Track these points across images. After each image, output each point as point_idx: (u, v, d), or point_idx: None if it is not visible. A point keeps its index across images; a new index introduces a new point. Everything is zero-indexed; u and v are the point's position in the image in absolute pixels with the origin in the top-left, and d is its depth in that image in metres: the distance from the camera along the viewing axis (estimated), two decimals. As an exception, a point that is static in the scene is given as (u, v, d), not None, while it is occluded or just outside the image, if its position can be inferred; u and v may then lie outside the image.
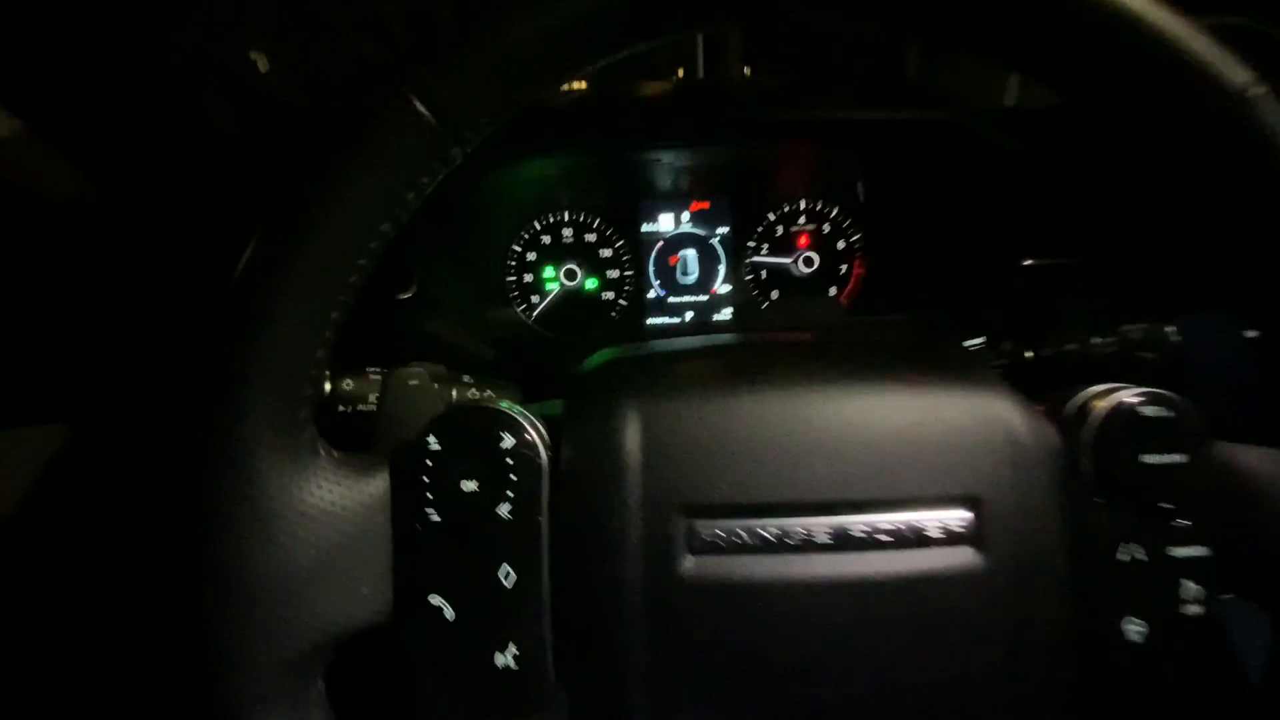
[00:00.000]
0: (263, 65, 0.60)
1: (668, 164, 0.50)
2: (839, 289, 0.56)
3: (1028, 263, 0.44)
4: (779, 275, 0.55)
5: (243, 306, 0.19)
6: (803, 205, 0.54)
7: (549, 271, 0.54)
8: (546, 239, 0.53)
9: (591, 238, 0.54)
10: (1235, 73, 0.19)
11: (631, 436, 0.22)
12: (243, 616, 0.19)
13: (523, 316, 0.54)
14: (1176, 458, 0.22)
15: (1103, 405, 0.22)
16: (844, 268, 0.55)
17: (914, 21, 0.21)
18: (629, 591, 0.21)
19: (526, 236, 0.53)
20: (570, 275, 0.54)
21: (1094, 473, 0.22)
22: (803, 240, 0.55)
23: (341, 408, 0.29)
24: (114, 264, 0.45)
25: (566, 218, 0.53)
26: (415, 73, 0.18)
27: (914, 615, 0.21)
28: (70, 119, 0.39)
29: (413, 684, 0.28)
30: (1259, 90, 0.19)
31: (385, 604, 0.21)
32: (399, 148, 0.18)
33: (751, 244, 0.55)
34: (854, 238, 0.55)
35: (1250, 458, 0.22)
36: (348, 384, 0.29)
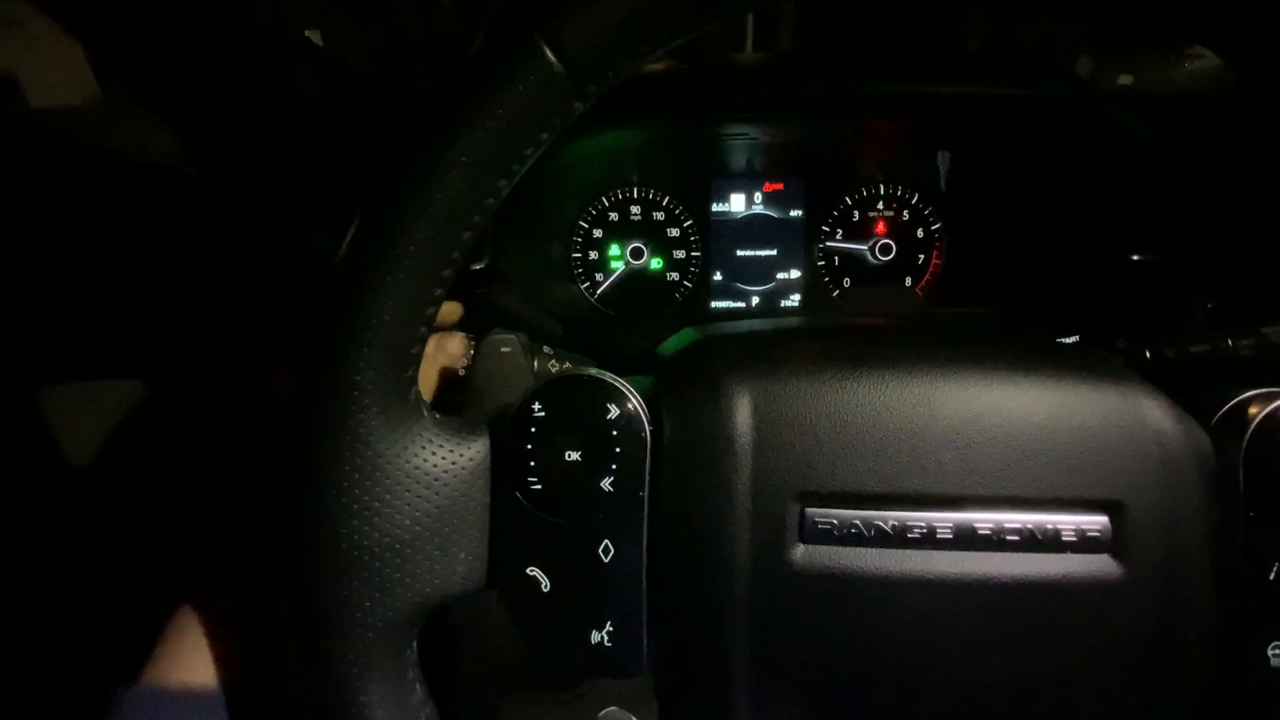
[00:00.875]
0: (316, 39, 0.61)
1: (744, 141, 0.48)
2: (915, 279, 0.53)
3: (1136, 257, 0.41)
4: (852, 262, 0.53)
5: (359, 267, 0.18)
6: (882, 190, 0.52)
7: (614, 249, 0.53)
8: (614, 216, 0.52)
9: (660, 216, 0.52)
10: None
11: (742, 416, 0.21)
12: (345, 576, 0.19)
13: (585, 294, 0.53)
14: None
15: (1260, 411, 0.20)
16: (922, 257, 0.53)
17: None
18: (734, 577, 0.20)
19: (594, 213, 0.52)
20: (636, 254, 0.53)
21: (1248, 484, 0.20)
22: (880, 227, 0.52)
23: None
24: (201, 228, 0.46)
25: (635, 195, 0.52)
26: (547, 20, 0.17)
27: (1039, 623, 0.20)
28: (171, 88, 0.40)
29: (498, 652, 0.28)
30: None
31: (481, 572, 0.21)
32: (526, 96, 0.17)
33: (825, 228, 0.52)
34: (934, 226, 0.52)
35: None
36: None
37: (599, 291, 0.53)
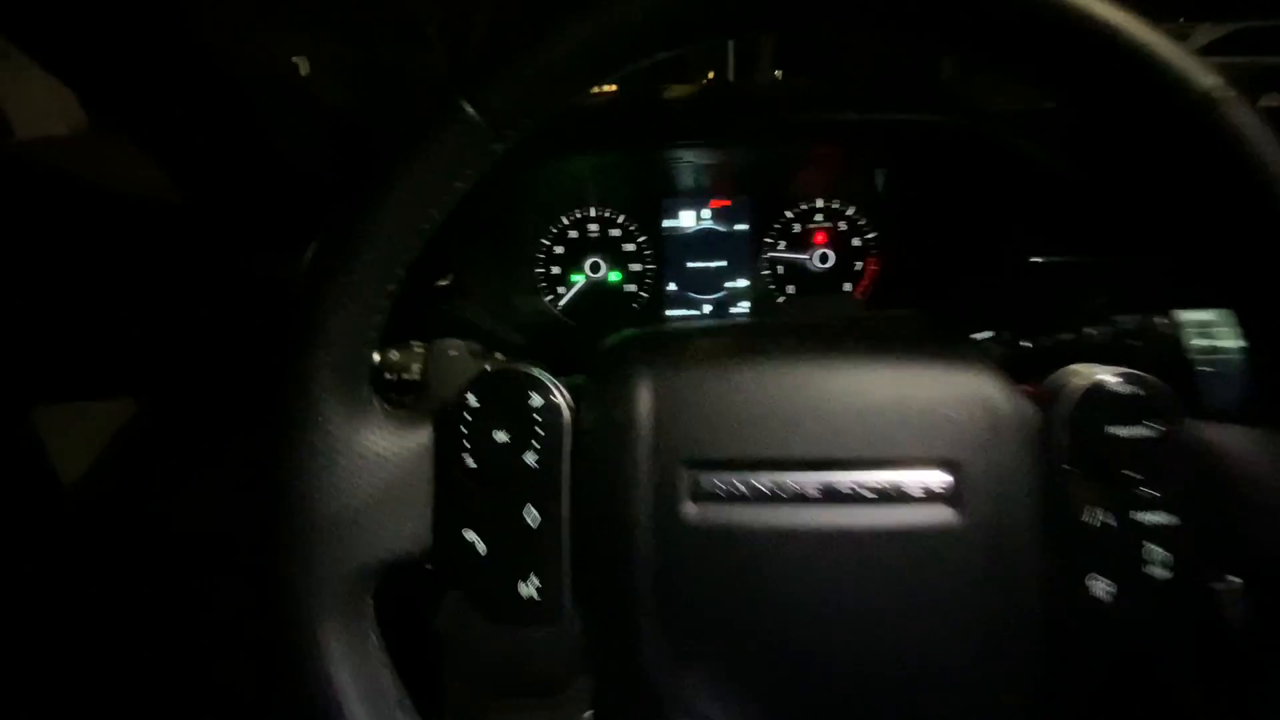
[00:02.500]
0: (304, 69, 0.65)
1: (689, 163, 0.53)
2: (853, 285, 0.57)
3: (1036, 260, 0.46)
4: (795, 271, 0.57)
5: (315, 286, 0.22)
6: (819, 204, 0.56)
7: (575, 265, 0.57)
8: (574, 234, 0.57)
9: (616, 233, 0.57)
10: (1204, 77, 0.21)
11: (644, 399, 0.25)
12: (309, 539, 0.22)
13: (549, 306, 0.57)
14: (1145, 431, 0.23)
15: (1079, 382, 0.24)
16: (859, 264, 0.57)
17: (906, 28, 0.23)
18: (638, 533, 0.24)
19: (555, 231, 0.56)
20: (595, 268, 0.57)
21: (1067, 442, 0.24)
22: (819, 237, 0.57)
23: (388, 375, 0.32)
24: (185, 255, 0.50)
25: (593, 214, 0.56)
26: (467, 82, 0.21)
27: (893, 565, 0.23)
28: (157, 125, 0.44)
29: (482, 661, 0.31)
30: (1227, 93, 0.21)
31: (426, 539, 0.24)
32: (451, 145, 0.22)
33: (769, 240, 0.57)
34: (869, 235, 0.57)
35: (1223, 435, 0.24)
36: (393, 354, 0.33)
37: (561, 303, 0.57)
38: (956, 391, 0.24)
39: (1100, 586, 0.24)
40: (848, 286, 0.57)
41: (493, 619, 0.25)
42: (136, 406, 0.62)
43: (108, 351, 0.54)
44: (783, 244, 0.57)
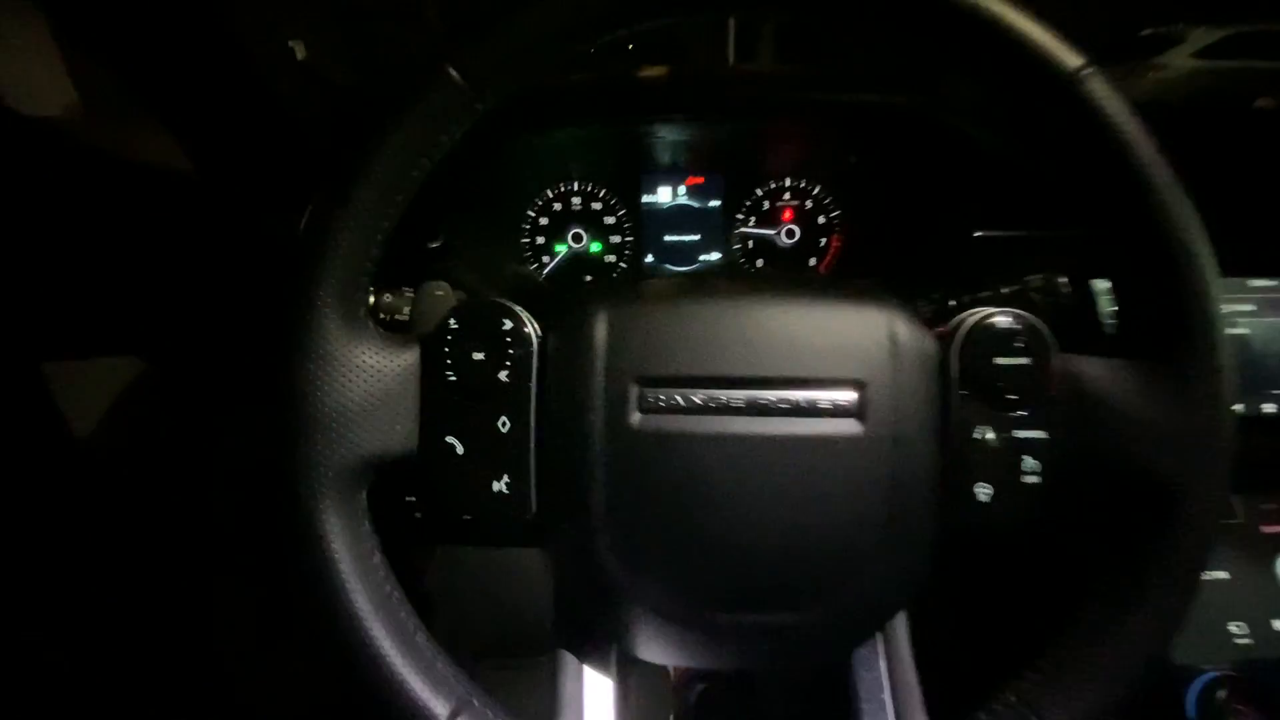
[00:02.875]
0: (300, 53, 0.68)
1: (665, 141, 0.57)
2: (819, 259, 0.62)
3: (978, 234, 0.50)
4: (764, 245, 0.61)
5: (321, 222, 0.26)
6: (788, 183, 0.60)
7: (559, 235, 0.61)
8: (558, 206, 0.60)
9: (597, 206, 0.61)
10: (1071, 56, 0.25)
11: (600, 327, 0.29)
12: (313, 431, 0.26)
13: (534, 273, 0.61)
14: (1022, 360, 0.28)
15: (971, 320, 0.29)
16: (823, 240, 0.61)
17: (828, 13, 0.27)
18: (593, 438, 0.28)
19: (540, 203, 0.60)
20: (577, 239, 0.61)
21: (959, 370, 0.28)
22: (787, 214, 0.61)
23: (381, 315, 0.36)
24: (197, 217, 0.54)
25: (576, 188, 0.60)
26: (452, 49, 0.25)
27: (808, 467, 0.27)
28: (172, 99, 0.48)
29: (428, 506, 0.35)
30: (1091, 70, 0.25)
31: (412, 441, 0.28)
32: (438, 102, 0.26)
33: (740, 216, 0.61)
34: (833, 213, 0.61)
35: (1088, 365, 0.28)
36: (387, 297, 0.36)
37: (546, 271, 0.61)
38: (866, 324, 0.28)
39: (983, 490, 0.28)
40: (813, 261, 0.61)
41: (467, 513, 0.29)
42: (143, 363, 0.66)
43: (120, 309, 0.58)
44: (753, 220, 0.61)
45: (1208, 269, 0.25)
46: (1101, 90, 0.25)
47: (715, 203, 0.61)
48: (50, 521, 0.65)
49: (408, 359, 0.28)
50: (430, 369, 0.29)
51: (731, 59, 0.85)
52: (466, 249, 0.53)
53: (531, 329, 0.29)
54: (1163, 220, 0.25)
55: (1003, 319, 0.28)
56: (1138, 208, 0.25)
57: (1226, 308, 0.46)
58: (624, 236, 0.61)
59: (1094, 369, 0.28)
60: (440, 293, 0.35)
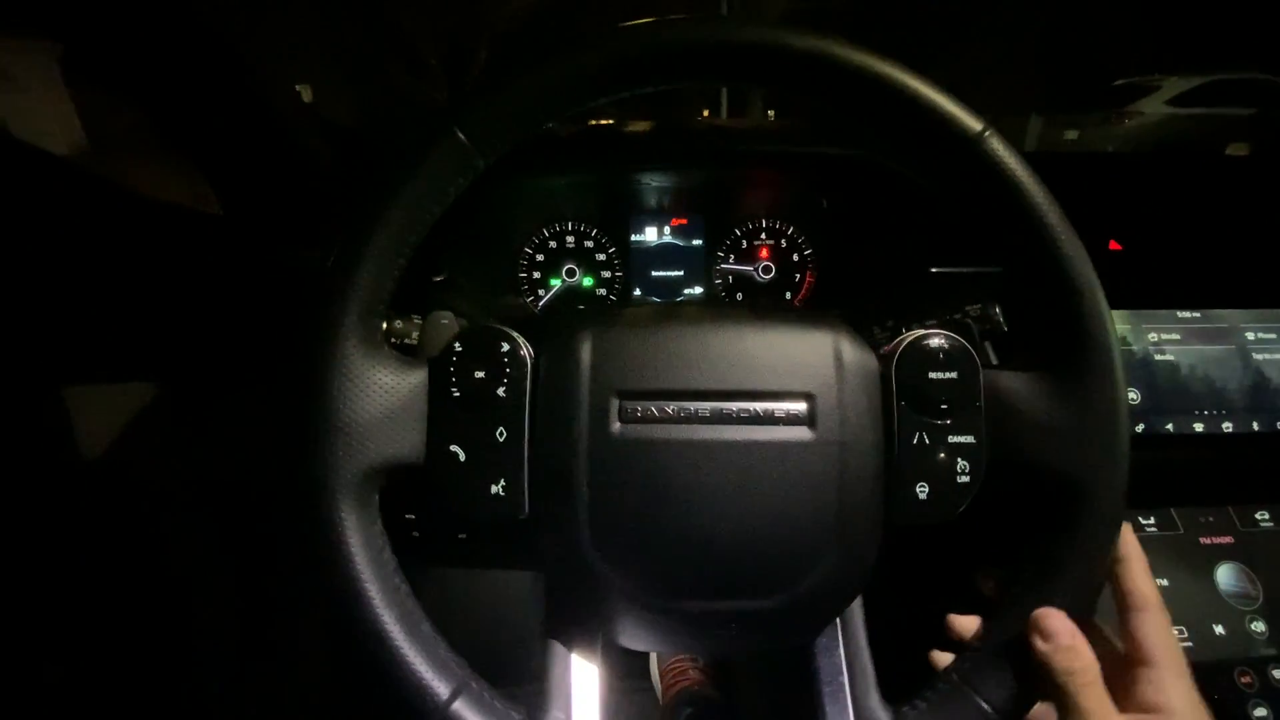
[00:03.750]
0: (307, 96, 0.74)
1: (649, 185, 0.62)
2: (793, 293, 0.67)
3: (934, 270, 0.55)
4: (743, 280, 0.66)
5: (345, 261, 0.30)
6: (764, 224, 0.66)
7: (553, 270, 0.66)
8: (553, 244, 0.66)
9: (589, 244, 0.66)
10: (973, 120, 0.30)
11: (585, 348, 0.33)
12: (332, 438, 0.30)
13: (529, 306, 0.66)
14: (951, 375, 0.32)
15: (907, 339, 0.33)
16: (798, 276, 0.66)
17: (758, 80, 0.32)
18: (579, 445, 0.31)
19: (536, 241, 0.65)
20: (570, 274, 0.66)
21: (897, 383, 0.32)
22: (764, 252, 0.66)
23: (391, 340, 0.40)
24: (214, 249, 0.58)
25: (570, 227, 0.65)
26: (458, 113, 0.30)
27: (765, 469, 0.31)
28: (204, 144, 0.53)
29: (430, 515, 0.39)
30: (990, 132, 0.30)
31: (420, 449, 0.32)
32: (445, 159, 0.30)
33: (721, 254, 0.66)
34: (806, 252, 0.66)
35: (1008, 378, 0.32)
36: (398, 323, 0.41)
37: (541, 304, 0.66)
38: (815, 344, 0.33)
39: (922, 489, 0.32)
40: (788, 294, 0.66)
41: (468, 514, 0.33)
42: (157, 389, 0.69)
43: (144, 336, 0.61)
44: (733, 257, 0.66)
45: (1097, 293, 0.30)
46: (1001, 149, 0.30)
47: (698, 242, 0.66)
48: (42, 534, 0.67)
49: (417, 378, 0.32)
50: (437, 386, 0.32)
51: (725, 114, 0.92)
52: (467, 282, 0.58)
53: (526, 351, 0.33)
54: (1057, 255, 0.30)
55: (935, 339, 0.33)
56: (1036, 246, 0.30)
57: (1155, 336, 0.51)
58: (614, 272, 0.66)
59: (1013, 382, 0.32)
60: (445, 321, 0.39)
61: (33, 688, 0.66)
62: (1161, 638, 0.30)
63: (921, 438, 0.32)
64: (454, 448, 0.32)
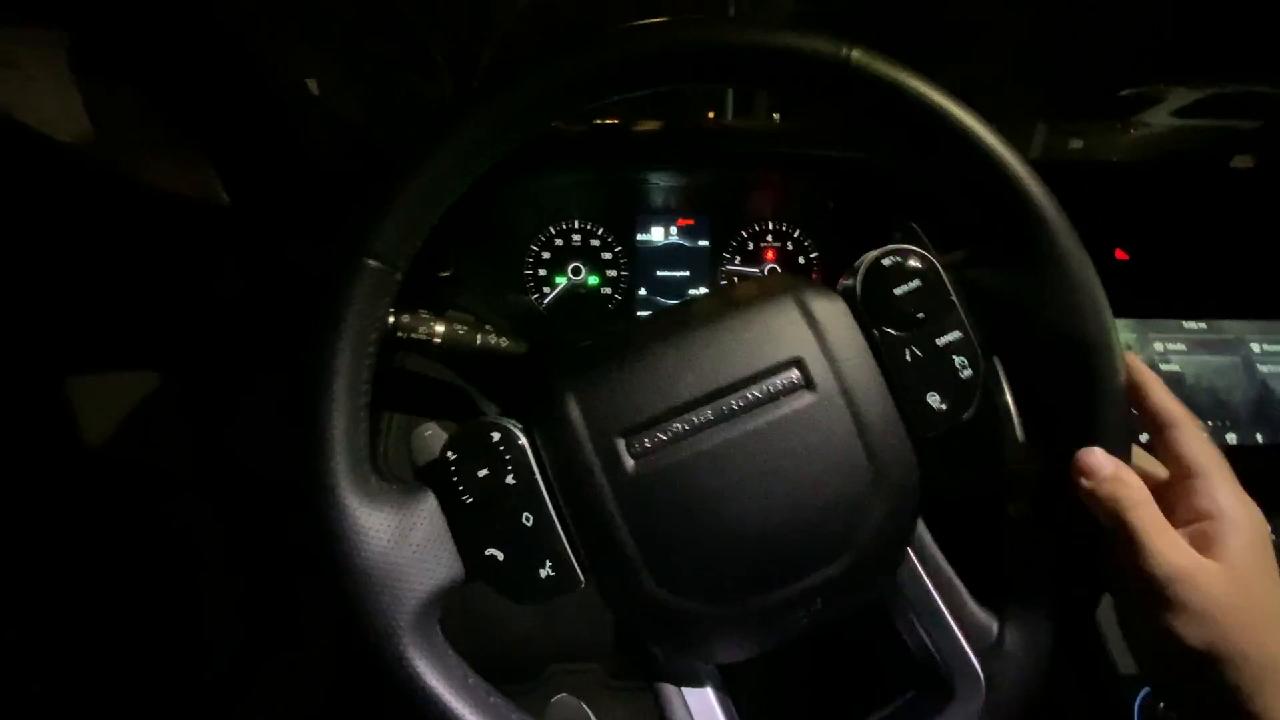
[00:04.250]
0: (313, 88, 0.74)
1: (656, 185, 0.62)
2: (798, 296, 0.66)
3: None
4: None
5: (310, 424, 0.29)
6: (770, 225, 0.66)
7: (559, 268, 0.66)
8: (559, 242, 0.66)
9: (595, 243, 0.66)
10: (834, 45, 0.29)
11: (572, 407, 0.32)
12: (374, 595, 0.29)
13: (534, 304, 0.66)
14: (915, 284, 0.32)
15: (861, 268, 0.33)
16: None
17: (768, 85, 0.32)
18: (604, 496, 0.30)
19: (543, 239, 0.65)
20: (576, 272, 0.66)
21: (867, 312, 0.32)
22: (769, 254, 0.66)
23: (400, 334, 0.40)
24: (224, 245, 0.58)
25: (576, 225, 0.65)
26: (364, 241, 0.29)
27: (787, 445, 0.30)
28: (217, 139, 0.53)
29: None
30: (857, 53, 0.29)
31: (459, 567, 0.31)
32: (364, 292, 0.29)
33: (726, 255, 0.66)
34: (812, 254, 0.66)
35: (970, 272, 0.32)
36: (405, 317, 0.40)
37: (546, 302, 0.66)
38: (782, 309, 0.32)
39: (934, 397, 0.32)
40: (794, 297, 0.66)
41: (531, 603, 0.32)
42: (165, 380, 0.69)
43: (150, 328, 0.61)
44: (738, 258, 0.66)
45: (1097, 290, 0.30)
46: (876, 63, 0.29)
47: (704, 242, 0.66)
48: (49, 522, 0.67)
49: (425, 502, 0.31)
50: (447, 499, 0.31)
51: (730, 115, 0.92)
52: (474, 279, 0.58)
53: (516, 430, 0.32)
54: (1056, 251, 0.30)
55: (886, 258, 0.32)
56: (1034, 237, 0.30)
57: (1161, 346, 0.51)
58: (619, 271, 0.66)
59: (978, 272, 0.32)
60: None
61: (38, 679, 0.66)
62: (1200, 446, 0.30)
63: (912, 352, 0.32)
64: (490, 551, 0.31)
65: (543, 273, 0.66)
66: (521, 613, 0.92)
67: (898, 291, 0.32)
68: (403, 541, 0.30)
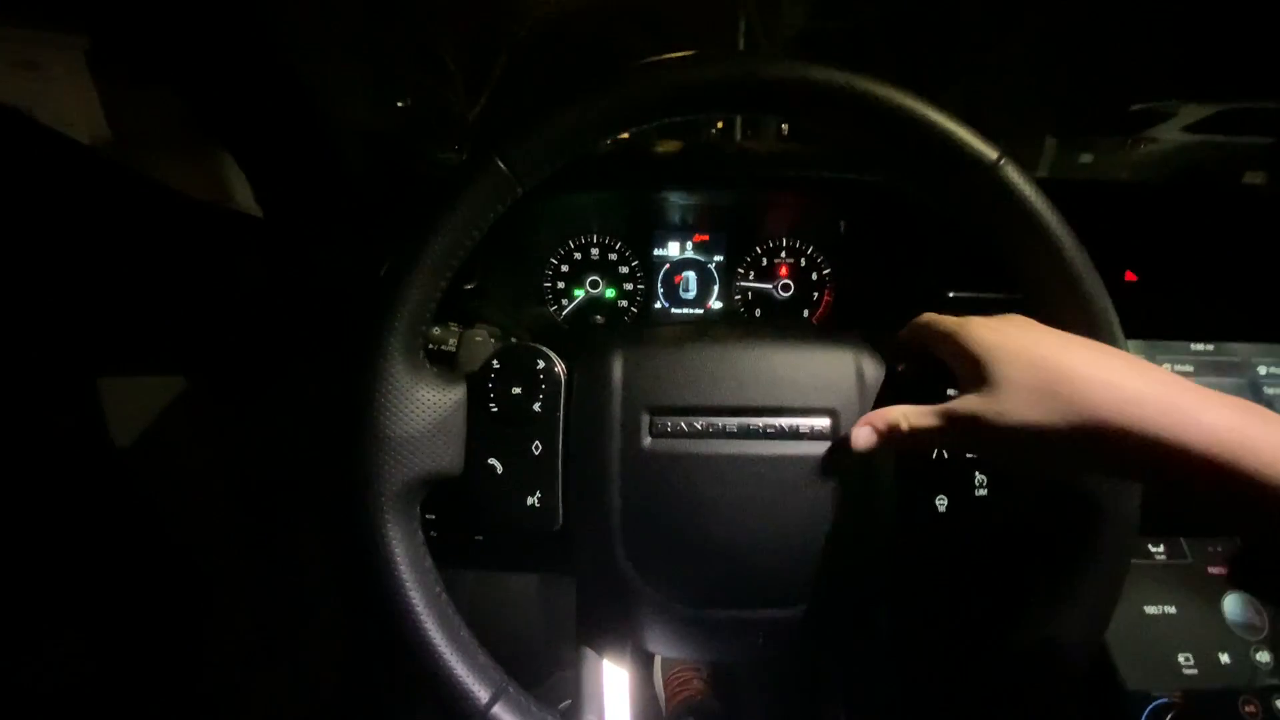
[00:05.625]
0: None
1: (675, 203, 0.64)
2: (811, 311, 0.68)
3: (952, 295, 0.56)
4: (762, 297, 0.68)
5: (392, 283, 0.31)
6: (784, 243, 0.67)
7: (578, 281, 0.68)
8: (578, 255, 0.67)
9: (613, 257, 0.67)
10: (989, 149, 0.31)
11: (617, 366, 0.34)
12: (378, 452, 0.31)
13: (553, 315, 0.68)
14: None
15: (907, 335, 0.34)
16: (816, 294, 0.68)
17: (793, 116, 0.33)
18: (612, 459, 0.33)
19: (562, 252, 0.67)
20: (594, 285, 0.67)
21: (908, 389, 0.33)
22: (783, 270, 0.68)
23: (430, 346, 0.42)
24: (259, 250, 0.61)
25: (595, 240, 0.67)
26: (499, 143, 0.31)
27: (790, 482, 0.33)
28: (246, 145, 0.56)
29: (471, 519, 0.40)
30: (1006, 159, 0.31)
31: (459, 462, 0.33)
32: (487, 188, 0.31)
33: (741, 270, 0.68)
34: (825, 271, 0.67)
35: None
36: (435, 330, 0.42)
37: (564, 313, 0.68)
38: (838, 362, 0.34)
39: (941, 502, 0.33)
40: (806, 312, 0.68)
41: (504, 527, 0.34)
42: (190, 384, 0.71)
43: (185, 333, 0.63)
44: (753, 274, 0.68)
45: (1113, 319, 0.31)
46: (1016, 175, 0.31)
47: (719, 258, 0.68)
48: (70, 520, 0.68)
49: (457, 394, 0.33)
50: (475, 402, 0.34)
51: (739, 137, 0.93)
52: (496, 291, 0.60)
53: (560, 368, 0.35)
54: (1073, 283, 0.31)
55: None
56: (1052, 274, 0.31)
57: (1169, 367, 0.52)
58: (636, 284, 0.68)
59: None
60: (479, 338, 0.40)
61: (52, 671, 0.68)
62: (933, 338, 0.31)
63: (940, 452, 0.33)
64: (492, 461, 0.33)
65: (562, 285, 0.68)
66: (529, 609, 0.93)
67: (951, 393, 0.32)
68: (420, 416, 0.32)
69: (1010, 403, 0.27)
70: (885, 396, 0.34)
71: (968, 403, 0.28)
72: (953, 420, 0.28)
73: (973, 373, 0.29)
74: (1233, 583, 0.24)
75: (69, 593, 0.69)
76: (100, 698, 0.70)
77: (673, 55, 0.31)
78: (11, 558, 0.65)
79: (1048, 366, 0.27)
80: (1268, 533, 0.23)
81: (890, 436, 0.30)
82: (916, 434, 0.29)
